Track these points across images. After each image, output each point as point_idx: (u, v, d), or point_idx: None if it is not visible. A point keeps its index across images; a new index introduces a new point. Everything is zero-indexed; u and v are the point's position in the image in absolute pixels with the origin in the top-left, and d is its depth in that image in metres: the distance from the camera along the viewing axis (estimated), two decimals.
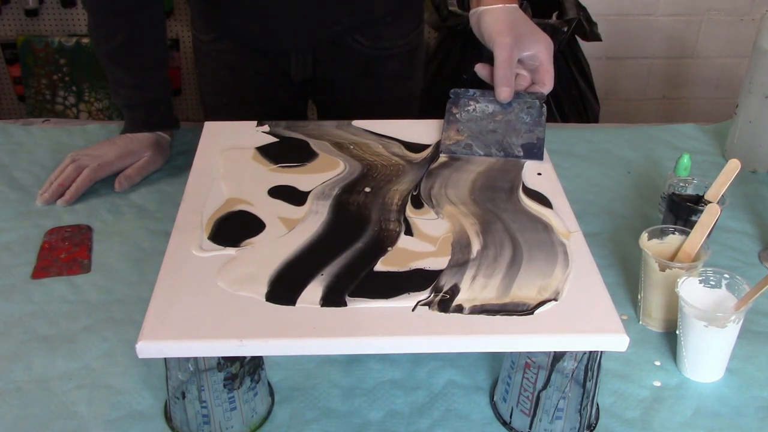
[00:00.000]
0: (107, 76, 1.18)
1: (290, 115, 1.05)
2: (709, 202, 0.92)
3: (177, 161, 1.21)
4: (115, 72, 1.16)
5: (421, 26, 1.34)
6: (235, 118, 1.04)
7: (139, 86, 1.16)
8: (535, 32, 0.98)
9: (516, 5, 1.00)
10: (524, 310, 0.70)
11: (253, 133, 1.00)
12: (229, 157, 0.94)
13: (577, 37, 2.05)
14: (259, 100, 1.32)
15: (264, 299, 0.71)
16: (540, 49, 0.97)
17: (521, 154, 0.94)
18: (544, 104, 0.97)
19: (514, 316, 0.69)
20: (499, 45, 0.96)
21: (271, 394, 0.80)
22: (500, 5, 0.99)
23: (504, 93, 0.97)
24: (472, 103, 0.99)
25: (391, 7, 1.24)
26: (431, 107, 2.11)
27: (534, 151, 0.95)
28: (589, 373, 0.72)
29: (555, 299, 0.71)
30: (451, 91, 1.01)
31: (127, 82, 1.16)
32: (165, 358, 0.71)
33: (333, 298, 0.71)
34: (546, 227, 0.82)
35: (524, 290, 0.72)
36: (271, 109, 1.18)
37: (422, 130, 1.01)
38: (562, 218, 0.83)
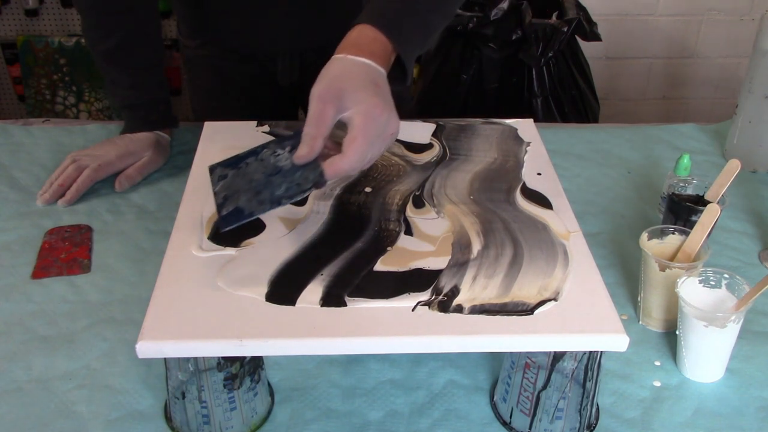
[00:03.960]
0: (104, 77, 1.18)
1: (279, 119, 1.05)
2: (709, 202, 0.92)
3: (177, 161, 1.21)
4: (111, 73, 1.16)
5: None
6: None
7: (136, 86, 1.16)
8: (363, 92, 0.76)
9: (367, 61, 0.79)
10: (524, 310, 0.70)
11: (253, 133, 1.00)
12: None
13: (577, 37, 2.05)
14: (247, 105, 1.32)
15: (264, 299, 0.71)
16: (357, 111, 0.75)
17: (224, 213, 0.76)
18: (311, 189, 0.74)
19: (514, 316, 0.69)
20: (311, 96, 0.76)
21: (271, 394, 0.80)
22: (340, 55, 0.80)
23: (299, 152, 0.75)
24: (287, 148, 0.80)
25: None
26: (431, 107, 2.12)
27: (227, 219, 0.75)
28: (589, 373, 0.72)
29: (555, 299, 0.71)
30: (299, 129, 0.79)
31: (124, 82, 1.16)
32: (165, 358, 0.71)
33: (333, 298, 0.71)
34: (546, 226, 0.82)
35: (524, 290, 0.72)
36: (260, 113, 1.17)
37: (422, 130, 1.01)
38: (562, 218, 0.83)
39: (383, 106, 0.76)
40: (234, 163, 0.82)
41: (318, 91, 0.76)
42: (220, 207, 0.77)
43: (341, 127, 0.77)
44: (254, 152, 0.82)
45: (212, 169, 0.83)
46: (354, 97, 0.76)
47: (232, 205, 0.76)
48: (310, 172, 0.75)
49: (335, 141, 0.77)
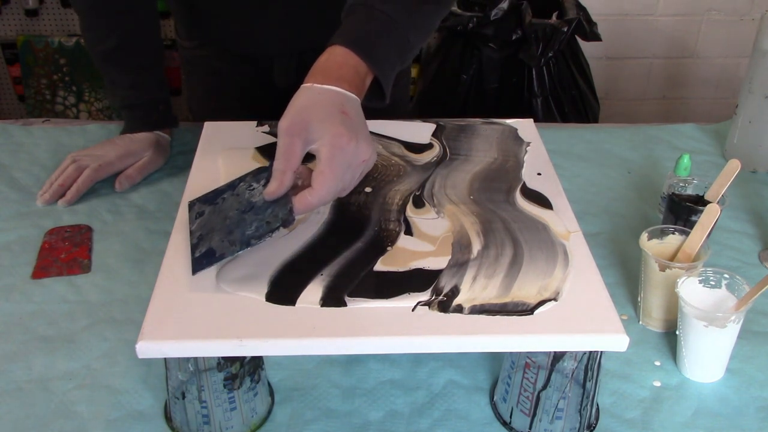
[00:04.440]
0: (104, 77, 1.18)
1: (277, 120, 1.04)
2: (709, 202, 0.92)
3: (177, 161, 1.21)
4: (110, 73, 1.16)
5: None
6: None
7: (136, 86, 1.16)
8: (328, 123, 0.74)
9: (335, 89, 0.77)
10: (524, 310, 0.70)
11: (253, 133, 1.00)
12: (229, 157, 0.94)
13: (577, 37, 2.05)
14: (245, 106, 1.32)
15: (264, 299, 0.71)
16: (323, 143, 0.74)
17: (197, 255, 0.75)
18: (279, 229, 0.73)
19: (514, 316, 0.69)
20: (279, 130, 0.75)
21: (271, 394, 0.80)
22: (307, 84, 0.78)
23: (269, 188, 0.74)
24: (262, 182, 0.78)
25: None
26: (431, 107, 2.12)
27: (200, 261, 0.74)
28: (589, 373, 0.72)
29: (555, 299, 0.71)
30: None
31: (124, 82, 1.16)
32: (165, 358, 0.71)
33: (333, 298, 0.71)
34: (546, 226, 0.82)
35: (524, 290, 0.72)
36: (258, 114, 1.17)
37: (422, 130, 1.01)
38: (562, 218, 0.83)
39: (349, 135, 0.74)
40: (212, 198, 0.81)
41: (284, 124, 0.74)
42: (194, 248, 0.76)
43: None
44: (232, 185, 0.81)
45: (191, 206, 0.82)
46: (319, 129, 0.74)
47: (205, 246, 0.75)
48: (279, 209, 0.74)
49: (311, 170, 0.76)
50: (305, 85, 0.78)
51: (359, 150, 0.75)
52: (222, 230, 0.76)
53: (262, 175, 0.79)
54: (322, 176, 0.73)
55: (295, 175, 0.75)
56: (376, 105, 0.85)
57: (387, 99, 0.85)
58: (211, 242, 0.75)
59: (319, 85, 0.77)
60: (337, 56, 0.80)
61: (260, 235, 0.73)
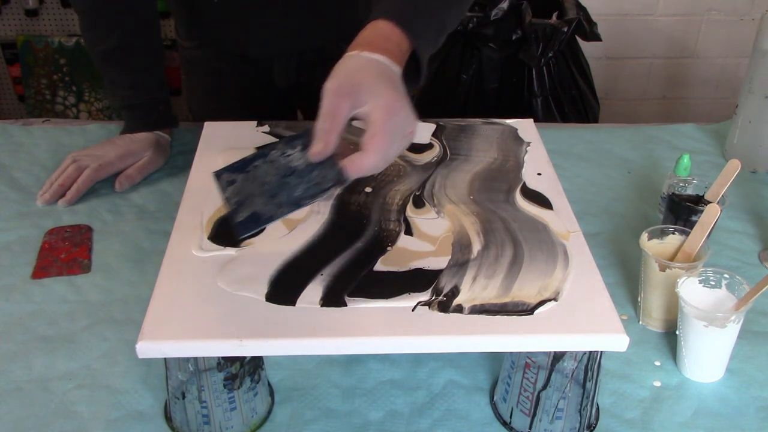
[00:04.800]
0: (103, 77, 1.18)
1: (278, 120, 1.04)
2: (709, 202, 0.92)
3: (177, 161, 1.21)
4: (110, 73, 1.16)
5: None
6: None
7: (136, 86, 1.16)
8: (381, 86, 0.73)
9: (381, 58, 0.76)
10: (524, 310, 0.70)
11: (253, 133, 1.00)
12: (229, 157, 0.94)
13: (577, 37, 2.05)
14: (245, 106, 1.32)
15: (264, 299, 0.71)
16: (376, 106, 0.72)
17: (238, 219, 0.73)
18: (332, 187, 0.72)
19: (514, 316, 0.69)
20: (324, 92, 0.72)
21: (271, 394, 0.80)
22: (356, 52, 0.76)
23: (313, 149, 0.72)
24: (298, 148, 0.77)
25: None
26: (431, 107, 2.12)
27: (243, 225, 0.72)
28: (589, 373, 0.72)
29: (555, 299, 0.71)
30: (308, 128, 0.76)
31: (124, 82, 1.16)
32: (165, 358, 0.71)
33: (333, 298, 0.71)
34: (546, 226, 0.82)
35: (524, 290, 0.72)
36: (258, 114, 1.17)
37: (422, 130, 1.01)
38: (562, 218, 0.83)
39: (402, 101, 0.73)
40: (241, 167, 0.79)
41: (332, 85, 0.72)
42: (233, 213, 0.74)
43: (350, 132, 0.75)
44: (261, 155, 0.79)
45: (218, 175, 0.80)
46: (372, 91, 0.72)
47: (248, 211, 0.73)
48: (327, 171, 0.72)
49: (347, 141, 0.75)
50: (351, 53, 0.76)
51: (409, 119, 0.74)
52: (263, 195, 0.74)
53: (296, 142, 0.77)
54: (376, 139, 0.71)
55: (339, 137, 0.73)
56: (410, 86, 0.83)
57: (421, 81, 0.84)
58: (254, 207, 0.73)
59: (366, 53, 0.76)
60: (381, 29, 0.79)
61: (312, 195, 0.71)
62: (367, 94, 0.72)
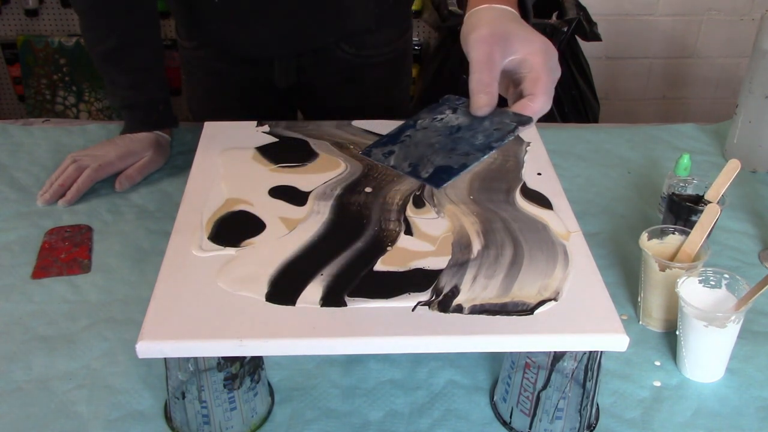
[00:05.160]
0: (103, 77, 1.18)
1: (278, 120, 1.05)
2: (709, 202, 0.92)
3: (177, 161, 1.21)
4: (110, 73, 1.16)
5: (408, 34, 1.33)
6: None
7: (136, 86, 1.16)
8: (528, 32, 0.75)
9: (509, 8, 0.78)
10: (524, 310, 0.70)
11: (253, 133, 1.00)
12: (229, 157, 0.94)
13: (577, 37, 2.05)
14: (244, 107, 1.32)
15: (264, 299, 0.71)
16: (531, 51, 0.74)
17: (424, 176, 0.71)
18: (516, 129, 0.72)
19: (514, 316, 0.69)
20: (473, 42, 0.73)
21: (271, 394, 0.80)
22: (485, 5, 0.77)
23: (478, 101, 0.73)
24: (447, 112, 0.78)
25: (374, 18, 1.22)
26: None
27: (436, 178, 0.70)
28: (589, 373, 0.72)
29: (555, 299, 0.71)
30: (445, 97, 0.81)
31: (123, 83, 1.16)
32: (165, 358, 0.71)
33: (333, 298, 0.71)
34: (546, 226, 0.82)
35: (524, 290, 0.72)
36: (258, 114, 1.17)
37: None
38: (562, 218, 0.83)
39: (550, 44, 0.74)
40: (393, 139, 0.76)
41: (481, 34, 0.73)
42: (415, 173, 0.71)
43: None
44: (409, 125, 0.77)
45: (368, 152, 0.76)
46: (522, 38, 0.73)
47: (431, 167, 0.70)
48: (502, 117, 0.72)
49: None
50: (484, 6, 0.77)
51: (557, 67, 0.75)
52: (439, 152, 0.72)
53: (442, 107, 0.77)
54: (541, 82, 0.72)
55: (497, 87, 0.73)
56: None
57: (530, 20, 0.84)
58: (436, 162, 0.71)
59: (499, 6, 0.77)
60: None
61: (499, 138, 0.70)
62: (518, 41, 0.73)
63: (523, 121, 0.71)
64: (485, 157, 0.70)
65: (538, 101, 0.72)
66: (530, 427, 0.75)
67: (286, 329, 0.67)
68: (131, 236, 1.04)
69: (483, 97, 0.73)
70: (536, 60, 0.73)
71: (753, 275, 0.98)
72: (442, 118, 0.76)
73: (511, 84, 0.77)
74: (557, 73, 0.76)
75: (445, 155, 0.72)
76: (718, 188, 0.97)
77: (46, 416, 0.77)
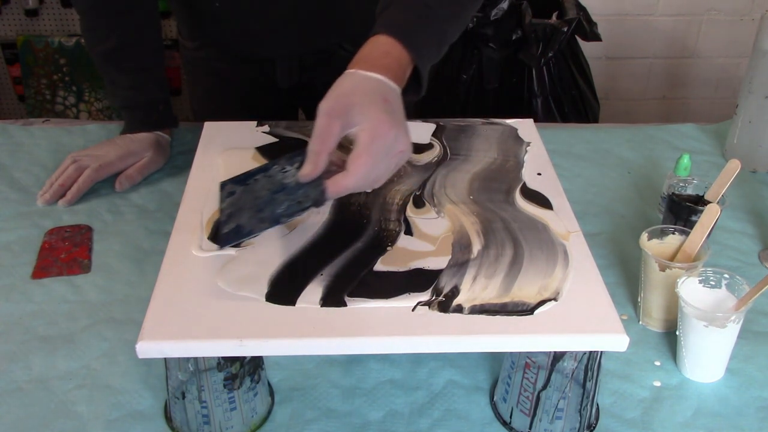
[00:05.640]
0: (103, 78, 1.18)
1: (279, 120, 1.05)
2: (709, 202, 0.92)
3: (177, 161, 1.21)
4: (110, 73, 1.16)
5: None
6: None
7: (136, 87, 1.16)
8: (369, 108, 0.74)
9: (376, 76, 0.77)
10: (524, 309, 0.70)
11: (253, 133, 1.00)
12: (229, 157, 0.94)
13: (577, 37, 2.05)
14: (246, 107, 1.32)
15: (264, 299, 0.71)
16: (363, 128, 0.73)
17: (224, 230, 0.76)
18: (310, 207, 0.73)
19: (514, 316, 0.69)
20: (318, 111, 0.74)
21: (271, 394, 0.80)
22: (352, 70, 0.77)
23: (304, 170, 0.74)
24: (294, 165, 0.79)
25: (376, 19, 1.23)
26: (431, 107, 2.12)
27: (225, 237, 0.75)
28: (589, 373, 0.72)
29: (555, 299, 0.71)
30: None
31: (124, 83, 1.16)
32: (165, 358, 0.71)
33: (333, 298, 0.71)
34: (546, 226, 0.82)
35: (524, 290, 0.72)
36: (260, 114, 1.17)
37: (421, 131, 1.01)
38: (562, 218, 0.83)
39: (391, 123, 0.74)
40: (243, 179, 0.82)
41: (325, 106, 0.74)
42: (222, 224, 0.77)
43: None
44: (265, 168, 0.82)
45: (223, 186, 0.83)
46: (361, 113, 0.74)
47: (234, 223, 0.76)
48: (312, 190, 0.74)
49: (344, 159, 0.76)
50: (349, 71, 0.78)
51: (398, 140, 0.75)
52: (252, 209, 0.77)
53: (297, 159, 0.79)
54: (359, 160, 0.72)
55: (329, 158, 0.74)
56: (411, 98, 0.84)
57: (422, 92, 0.85)
58: (240, 219, 0.76)
59: (363, 72, 0.77)
60: (381, 45, 0.80)
61: (290, 213, 0.73)
62: (358, 116, 0.73)
63: (320, 201, 0.73)
64: (270, 228, 0.74)
65: (351, 179, 0.73)
66: (530, 427, 0.75)
67: (286, 329, 0.67)
68: (131, 236, 1.04)
69: (308, 166, 0.74)
70: (363, 138, 0.73)
71: (753, 275, 0.98)
72: (287, 171, 0.79)
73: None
74: (393, 152, 0.75)
75: (252, 215, 0.76)
76: (718, 188, 0.97)
77: (46, 416, 0.77)
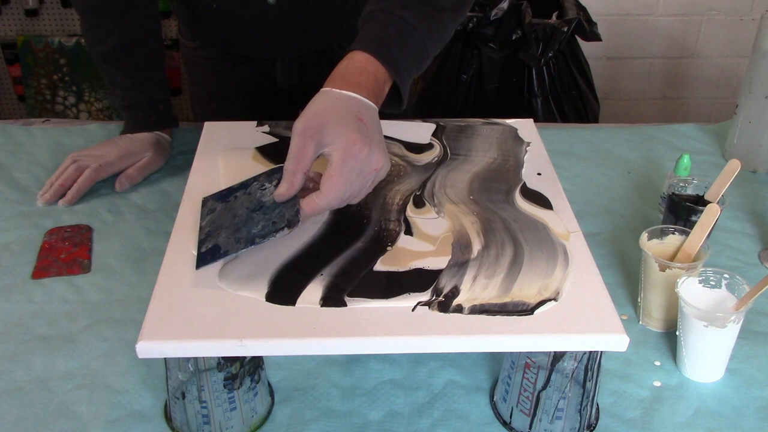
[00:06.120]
0: (103, 77, 1.18)
1: (279, 120, 1.05)
2: (709, 202, 0.92)
3: (177, 161, 1.21)
4: (110, 73, 1.16)
5: None
6: None
7: (136, 87, 1.16)
8: (342, 127, 0.74)
9: (351, 94, 0.77)
10: (524, 310, 0.70)
11: (253, 133, 1.00)
12: (229, 157, 0.94)
13: (577, 37, 2.05)
14: (246, 106, 1.32)
15: (264, 299, 0.71)
16: (336, 147, 0.74)
17: (202, 250, 0.76)
18: (284, 229, 0.72)
19: (514, 316, 0.69)
20: (293, 131, 0.75)
21: (271, 394, 0.80)
22: (326, 89, 0.78)
23: (279, 189, 0.75)
24: (273, 183, 0.79)
25: None
26: (431, 107, 2.12)
27: (203, 257, 0.75)
28: (589, 373, 0.72)
29: (555, 299, 0.71)
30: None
31: (124, 83, 1.16)
32: (165, 358, 0.71)
33: (333, 298, 0.71)
34: (546, 226, 0.82)
35: (524, 290, 0.72)
36: (260, 114, 1.17)
37: (422, 131, 1.01)
38: (562, 218, 0.83)
39: (363, 142, 0.74)
40: (225, 196, 0.82)
41: (299, 126, 0.74)
42: (201, 243, 0.77)
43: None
44: (245, 184, 0.82)
45: (205, 202, 0.83)
46: (334, 133, 0.74)
47: (212, 242, 0.76)
48: (287, 210, 0.74)
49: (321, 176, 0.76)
50: (324, 90, 0.78)
51: (372, 158, 0.75)
52: (230, 228, 0.77)
53: (276, 175, 0.79)
54: (331, 180, 0.73)
55: (305, 177, 0.75)
56: (393, 111, 0.85)
57: (404, 105, 0.85)
58: (218, 239, 0.76)
59: (337, 90, 0.77)
60: (357, 62, 0.80)
61: (264, 234, 0.73)
62: (331, 135, 0.74)
63: (293, 223, 0.72)
64: (245, 249, 0.73)
65: (323, 200, 0.74)
66: (530, 427, 0.75)
67: (286, 329, 0.67)
68: (131, 236, 1.04)
69: (283, 185, 0.75)
70: (335, 157, 0.74)
71: (753, 275, 0.98)
72: (265, 188, 0.79)
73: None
74: (366, 170, 0.75)
75: (229, 234, 0.76)
76: (718, 188, 0.97)
77: (46, 416, 0.77)
